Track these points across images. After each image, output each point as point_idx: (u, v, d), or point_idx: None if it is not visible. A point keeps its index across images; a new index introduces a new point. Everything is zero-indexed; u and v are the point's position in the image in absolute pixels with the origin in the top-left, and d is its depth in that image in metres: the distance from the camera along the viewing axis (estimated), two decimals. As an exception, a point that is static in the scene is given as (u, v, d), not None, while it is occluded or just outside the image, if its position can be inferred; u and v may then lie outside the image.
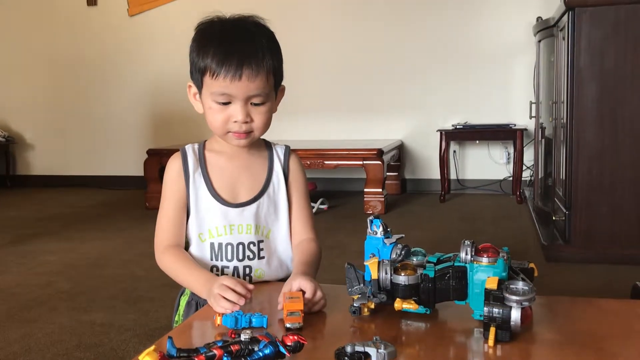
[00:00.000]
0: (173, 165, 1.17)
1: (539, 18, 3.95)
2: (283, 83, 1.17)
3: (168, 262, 1.13)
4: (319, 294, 0.98)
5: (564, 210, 2.63)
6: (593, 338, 0.85)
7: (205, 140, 1.21)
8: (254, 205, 1.15)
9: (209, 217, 1.14)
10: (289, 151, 1.22)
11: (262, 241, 1.15)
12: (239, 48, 1.07)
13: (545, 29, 3.26)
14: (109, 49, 5.01)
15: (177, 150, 1.21)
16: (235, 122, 1.09)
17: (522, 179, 4.09)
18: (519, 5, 4.20)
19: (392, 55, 4.47)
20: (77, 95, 5.09)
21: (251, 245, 1.15)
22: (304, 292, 0.97)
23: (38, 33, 5.12)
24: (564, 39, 2.64)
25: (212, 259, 1.15)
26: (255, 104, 1.09)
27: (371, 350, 0.80)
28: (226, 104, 1.08)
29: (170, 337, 0.81)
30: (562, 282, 2.34)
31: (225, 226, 1.14)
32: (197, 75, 1.10)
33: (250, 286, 1.01)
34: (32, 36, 5.14)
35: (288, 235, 1.19)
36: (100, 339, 1.86)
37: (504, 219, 3.54)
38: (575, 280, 2.37)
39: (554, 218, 2.86)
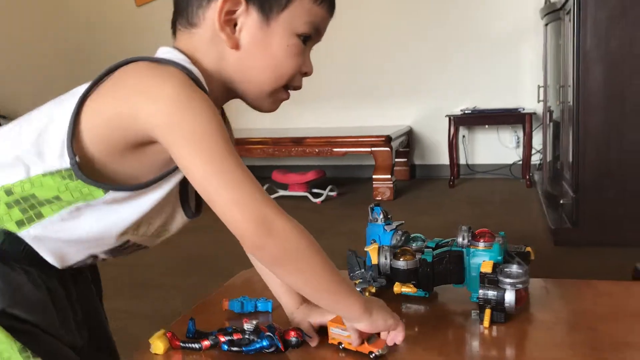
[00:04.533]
0: (206, 100, 0.71)
1: (546, 0, 3.93)
2: None
3: (306, 240, 0.72)
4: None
5: (572, 194, 2.64)
6: (586, 318, 0.88)
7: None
8: None
9: None
10: None
11: None
12: None
13: (553, 12, 3.24)
14: (117, 40, 5.04)
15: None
16: (305, 74, 0.81)
17: (532, 162, 4.08)
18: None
19: (399, 41, 4.47)
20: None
21: None
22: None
23: (45, 25, 5.17)
24: (570, 21, 2.64)
25: None
26: None
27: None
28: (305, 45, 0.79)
29: (192, 319, 0.85)
30: (569, 265, 2.35)
31: None
32: None
33: None
34: (39, 28, 5.18)
35: None
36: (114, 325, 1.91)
37: (513, 203, 3.55)
38: (582, 263, 2.38)
39: (561, 202, 2.86)
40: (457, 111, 4.23)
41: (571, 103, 2.63)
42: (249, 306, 0.96)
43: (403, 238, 1.05)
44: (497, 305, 0.86)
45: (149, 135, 0.69)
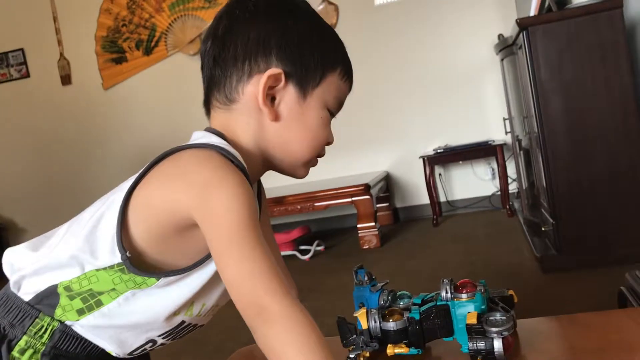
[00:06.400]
0: (238, 179, 0.73)
1: (500, 36, 4.09)
2: None
3: (301, 335, 0.67)
4: None
5: (551, 220, 2.69)
6: (574, 355, 0.91)
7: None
8: None
9: None
10: None
11: None
12: None
13: (506, 47, 3.38)
14: (90, 125, 5.10)
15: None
16: (328, 143, 0.90)
17: (510, 191, 4.16)
18: (479, 24, 4.33)
19: (365, 89, 4.59)
20: (64, 174, 5.15)
21: None
22: None
23: (18, 118, 5.22)
24: (523, 55, 2.75)
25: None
26: None
27: None
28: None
29: None
30: (560, 293, 2.38)
31: None
32: (316, 65, 0.81)
33: None
34: (13, 121, 5.23)
35: None
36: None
37: (497, 234, 3.60)
38: (572, 289, 2.41)
39: (543, 229, 2.92)
40: (429, 151, 4.32)
41: (536, 132, 2.72)
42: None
43: (390, 297, 1.07)
44: (488, 355, 0.88)
45: (191, 219, 0.72)
